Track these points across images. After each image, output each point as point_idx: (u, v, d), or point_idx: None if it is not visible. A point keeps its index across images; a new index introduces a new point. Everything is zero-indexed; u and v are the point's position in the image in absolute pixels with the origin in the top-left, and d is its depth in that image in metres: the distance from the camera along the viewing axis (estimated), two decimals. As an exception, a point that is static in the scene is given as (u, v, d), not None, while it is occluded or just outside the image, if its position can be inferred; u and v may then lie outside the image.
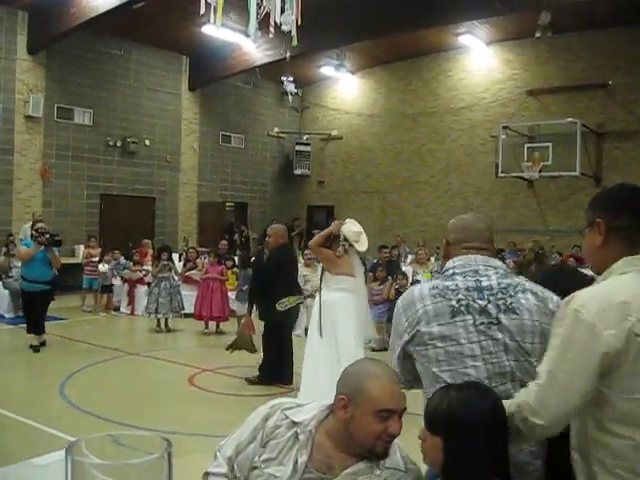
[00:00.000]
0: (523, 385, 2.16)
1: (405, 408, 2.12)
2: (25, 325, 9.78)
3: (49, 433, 5.87)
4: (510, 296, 2.39)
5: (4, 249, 13.41)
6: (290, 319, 8.11)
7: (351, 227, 7.03)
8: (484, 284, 2.42)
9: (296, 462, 2.14)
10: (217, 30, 14.36)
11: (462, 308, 2.37)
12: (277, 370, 7.83)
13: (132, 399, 7.21)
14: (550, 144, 16.70)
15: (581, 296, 1.99)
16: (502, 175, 17.60)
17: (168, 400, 7.33)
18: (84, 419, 6.35)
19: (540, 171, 16.87)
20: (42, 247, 9.17)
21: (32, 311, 9.63)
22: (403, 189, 20.97)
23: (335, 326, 6.75)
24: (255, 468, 2.21)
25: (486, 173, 18.91)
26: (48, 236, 9.24)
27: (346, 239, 6.94)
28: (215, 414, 6.79)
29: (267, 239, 8.16)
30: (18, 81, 15.59)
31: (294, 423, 2.22)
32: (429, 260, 14.28)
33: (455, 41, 18.65)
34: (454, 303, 2.38)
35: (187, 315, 11.86)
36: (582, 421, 2.04)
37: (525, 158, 17.18)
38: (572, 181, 17.27)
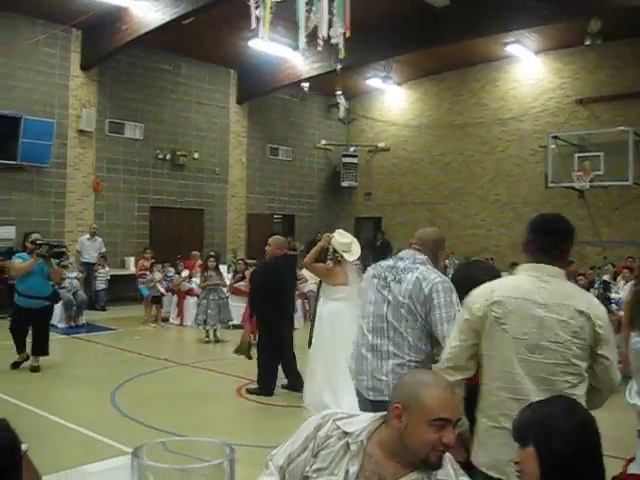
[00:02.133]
0: (392, 328, 3.76)
1: (460, 419, 2.12)
2: (14, 344, 8.81)
3: (101, 441, 5.96)
4: (403, 273, 3.80)
5: (57, 260, 13.63)
6: (284, 324, 8.15)
7: (339, 239, 7.32)
8: (396, 265, 3.90)
9: (347, 472, 2.15)
10: (265, 44, 14.52)
11: (376, 275, 3.95)
12: (272, 378, 7.98)
13: (181, 409, 7.28)
14: (601, 153, 16.40)
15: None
16: (552, 185, 17.37)
17: (216, 410, 7.39)
18: (135, 428, 6.44)
19: (591, 181, 16.58)
20: (40, 260, 8.49)
21: (24, 329, 8.74)
22: (451, 200, 20.82)
23: (334, 334, 6.98)
24: (306, 477, 2.23)
25: (535, 183, 18.68)
26: (48, 247, 8.57)
27: (335, 251, 7.26)
28: (262, 424, 6.84)
29: (266, 248, 8.27)
30: (71, 97, 15.94)
31: (345, 433, 2.23)
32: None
33: (503, 51, 18.50)
34: (374, 272, 3.99)
35: (235, 326, 11.95)
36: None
37: (575, 168, 16.91)
38: (624, 191, 16.97)
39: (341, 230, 7.60)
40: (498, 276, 3.37)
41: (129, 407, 7.15)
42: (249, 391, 8.00)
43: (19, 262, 8.67)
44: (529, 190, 19.08)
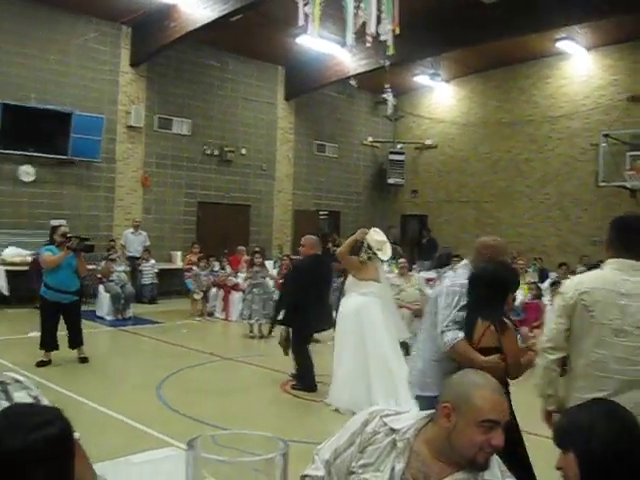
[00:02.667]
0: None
1: (508, 420, 2.10)
2: (40, 338, 8.61)
3: (146, 432, 6.04)
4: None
5: (106, 254, 13.88)
6: (308, 326, 8.18)
7: (375, 236, 7.36)
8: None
9: (393, 469, 2.15)
10: (312, 40, 14.55)
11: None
12: (309, 374, 8.01)
13: (225, 402, 7.32)
14: (654, 152, 16.11)
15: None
16: (603, 184, 17.08)
17: (260, 405, 7.42)
18: (180, 420, 6.50)
19: (643, 180, 16.30)
20: (70, 253, 8.33)
21: (55, 324, 8.58)
22: (498, 199, 20.58)
23: (363, 329, 7.01)
24: (352, 473, 2.24)
25: (586, 182, 18.38)
26: (78, 240, 8.42)
27: (370, 247, 7.27)
28: (306, 420, 6.85)
29: (300, 248, 8.33)
30: (121, 93, 16.17)
31: (392, 430, 2.22)
32: (526, 272, 13.98)
33: (553, 47, 18.19)
34: None
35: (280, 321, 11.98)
36: None
37: (627, 166, 16.61)
38: (679, 190, 16.62)
39: (377, 229, 7.62)
40: (517, 276, 4.32)
41: (174, 399, 7.22)
42: (293, 387, 8.03)
43: (49, 255, 8.47)
44: (579, 189, 18.76)
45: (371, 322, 7.05)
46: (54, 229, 8.94)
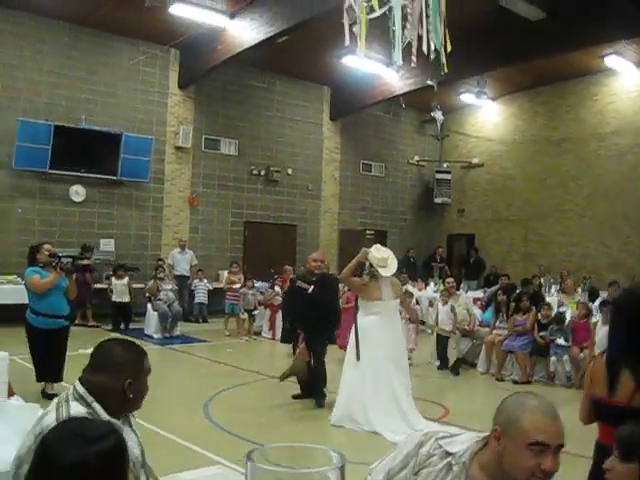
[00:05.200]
0: None
1: (562, 445, 2.05)
2: (35, 369, 7.69)
3: (193, 450, 6.07)
4: None
5: (154, 272, 14.05)
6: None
7: (376, 254, 7.45)
8: None
9: None
10: (358, 61, 14.60)
11: None
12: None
13: (272, 421, 7.33)
14: None
15: None
16: (653, 202, 16.78)
17: (306, 424, 7.43)
18: (227, 439, 6.52)
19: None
20: (62, 274, 7.53)
21: (47, 351, 7.57)
22: (547, 217, 20.29)
23: (364, 349, 7.22)
24: None
25: (636, 200, 18.04)
26: (72, 260, 7.65)
27: (371, 265, 7.39)
28: (350, 440, 6.80)
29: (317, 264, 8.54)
30: (169, 114, 16.44)
31: (448, 453, 2.19)
32: (576, 291, 13.79)
33: (601, 63, 17.92)
34: None
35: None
36: None
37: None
38: None
39: (378, 245, 7.75)
40: None
41: (221, 418, 7.25)
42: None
43: (37, 277, 7.50)
44: (629, 207, 18.40)
45: (372, 345, 7.25)
46: (35, 249, 7.82)
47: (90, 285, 14.17)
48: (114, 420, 2.46)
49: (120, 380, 2.49)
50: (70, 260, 7.65)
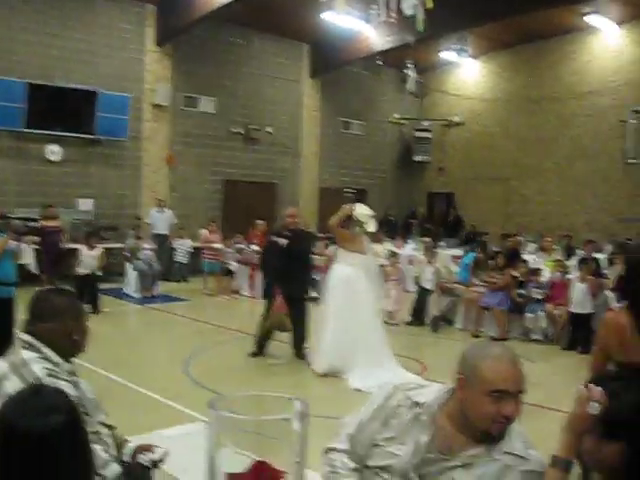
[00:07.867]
0: None
1: (522, 390, 2.06)
2: None
3: (173, 407, 6.13)
4: None
5: (133, 232, 13.96)
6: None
7: (362, 210, 7.80)
8: None
9: (417, 442, 2.14)
10: (338, 17, 14.44)
11: None
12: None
13: (252, 378, 7.40)
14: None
15: None
16: (631, 162, 16.83)
17: (287, 380, 7.48)
18: (207, 396, 6.52)
19: (674, 156, 16.05)
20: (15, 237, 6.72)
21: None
22: (526, 176, 20.29)
23: (346, 301, 7.48)
24: (376, 446, 2.24)
25: (614, 159, 18.05)
26: (23, 222, 6.95)
27: (359, 220, 7.70)
28: (328, 393, 6.87)
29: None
30: (146, 72, 16.19)
31: (416, 404, 2.22)
32: (554, 249, 13.90)
33: (581, 22, 17.78)
34: None
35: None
36: None
37: (657, 143, 16.37)
38: None
39: (361, 204, 8.12)
40: None
41: (201, 376, 7.29)
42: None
43: None
44: (607, 167, 18.41)
45: (358, 292, 7.51)
46: None
47: (59, 247, 12.38)
48: (68, 365, 2.61)
49: (66, 324, 2.62)
50: (22, 222, 7.13)
